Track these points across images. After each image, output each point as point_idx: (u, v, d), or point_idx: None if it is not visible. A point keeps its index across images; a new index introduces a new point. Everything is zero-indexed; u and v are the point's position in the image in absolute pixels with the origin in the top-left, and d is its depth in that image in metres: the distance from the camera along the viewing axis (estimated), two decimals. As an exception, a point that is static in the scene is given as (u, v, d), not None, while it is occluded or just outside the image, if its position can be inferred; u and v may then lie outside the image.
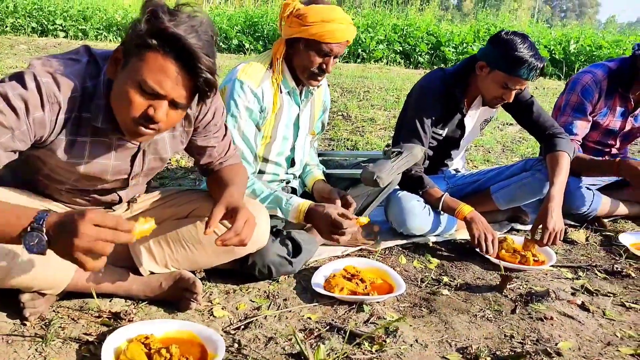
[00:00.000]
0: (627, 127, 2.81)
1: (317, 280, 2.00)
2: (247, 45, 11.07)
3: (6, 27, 11.80)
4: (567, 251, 2.50)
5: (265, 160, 2.18)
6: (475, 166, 3.88)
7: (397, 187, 2.45)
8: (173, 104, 1.39)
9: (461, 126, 2.52)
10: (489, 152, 4.33)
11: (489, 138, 4.79)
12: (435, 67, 10.82)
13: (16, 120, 1.32)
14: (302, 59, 2.00)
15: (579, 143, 2.70)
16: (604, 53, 10.36)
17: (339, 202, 2.15)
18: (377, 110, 5.71)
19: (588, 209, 2.66)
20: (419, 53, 10.86)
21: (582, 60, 10.48)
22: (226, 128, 1.87)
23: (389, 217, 2.44)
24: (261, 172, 2.20)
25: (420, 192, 2.38)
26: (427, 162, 2.64)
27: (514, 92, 2.28)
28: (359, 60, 10.77)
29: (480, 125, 2.62)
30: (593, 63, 2.85)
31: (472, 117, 2.54)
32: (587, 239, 2.62)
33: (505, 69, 2.22)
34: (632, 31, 13.31)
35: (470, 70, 2.37)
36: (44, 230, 1.15)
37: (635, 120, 2.81)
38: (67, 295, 1.71)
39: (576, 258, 2.43)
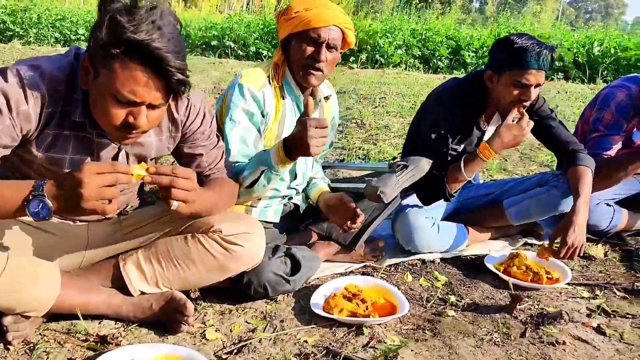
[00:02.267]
0: None
1: (317, 300, 1.92)
2: (265, 53, 11.09)
3: (30, 37, 12.03)
4: (583, 267, 2.37)
5: (267, 173, 2.11)
6: (490, 175, 3.76)
7: (408, 202, 2.35)
8: (151, 106, 1.39)
9: (479, 143, 2.41)
10: (506, 160, 4.20)
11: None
12: (455, 71, 10.70)
13: None
14: (294, 53, 1.95)
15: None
16: (630, 55, 10.07)
17: (352, 205, 2.08)
18: (392, 117, 5.61)
19: (608, 226, 2.52)
20: (439, 58, 10.73)
21: (607, 63, 10.20)
22: (218, 139, 1.81)
23: (395, 234, 2.35)
24: (261, 186, 2.13)
25: (444, 174, 2.23)
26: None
27: (532, 89, 2.12)
28: (377, 65, 10.69)
29: (494, 140, 2.50)
30: (623, 71, 2.63)
31: (489, 134, 2.42)
32: (605, 255, 2.48)
33: (511, 65, 2.10)
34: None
35: (482, 85, 2.25)
36: (45, 196, 1.25)
37: None
38: (55, 317, 1.66)
39: (593, 275, 2.30)
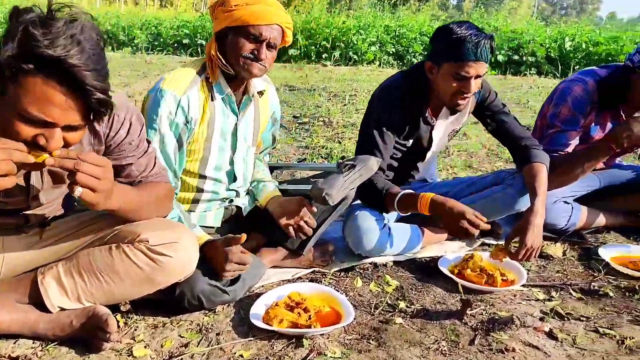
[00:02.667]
0: None
1: (257, 311, 1.81)
2: (237, 51, 10.92)
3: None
4: (541, 268, 2.30)
5: (202, 177, 1.99)
6: (455, 173, 3.69)
7: (360, 202, 2.26)
8: (69, 128, 1.26)
9: (428, 137, 2.32)
10: (472, 157, 4.13)
11: (473, 142, 4.59)
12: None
13: None
14: (232, 47, 1.83)
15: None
16: (601, 50, 10.14)
17: (314, 209, 2.04)
18: (361, 115, 5.51)
19: (567, 225, 2.44)
20: (413, 54, 10.70)
21: (579, 57, 10.27)
22: (149, 144, 1.69)
23: (345, 237, 2.25)
24: (200, 190, 2.02)
25: (382, 196, 2.16)
26: (391, 173, 2.45)
27: (472, 81, 2.03)
28: (350, 63, 10.61)
29: (449, 135, 2.42)
30: (586, 65, 2.53)
31: (440, 128, 2.34)
32: (564, 254, 2.41)
33: (449, 57, 2.01)
34: (631, 27, 13.05)
35: (426, 77, 2.17)
36: None
37: None
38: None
39: (550, 275, 2.22)
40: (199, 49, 11.33)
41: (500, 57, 10.55)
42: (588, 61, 10.08)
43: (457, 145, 4.46)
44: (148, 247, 1.60)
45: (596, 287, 2.09)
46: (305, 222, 2.08)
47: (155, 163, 1.70)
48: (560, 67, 10.05)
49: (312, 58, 10.60)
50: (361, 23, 11.32)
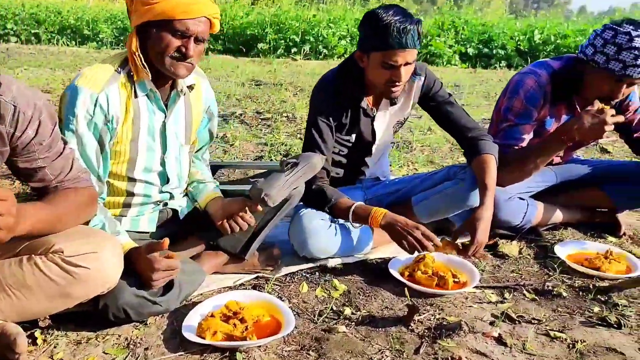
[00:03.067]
0: None
1: (190, 322, 1.69)
2: (206, 46, 10.70)
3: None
4: (495, 268, 2.22)
5: (132, 179, 1.86)
6: (415, 169, 3.60)
7: (301, 203, 2.15)
8: None
9: (371, 130, 2.23)
10: (435, 152, 4.05)
11: (437, 136, 4.52)
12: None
13: None
14: (155, 44, 1.68)
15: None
16: (569, 42, 10.21)
17: (260, 208, 1.91)
18: (325, 110, 5.41)
19: (522, 222, 2.37)
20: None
21: (548, 50, 10.32)
22: (65, 145, 1.56)
23: (290, 239, 2.14)
24: (130, 193, 1.88)
25: (327, 209, 2.08)
26: (341, 170, 2.35)
27: (402, 69, 1.94)
28: (320, 57, 10.47)
29: (393, 127, 2.33)
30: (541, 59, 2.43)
31: (382, 120, 2.24)
32: (520, 252, 2.34)
33: (376, 45, 1.92)
34: (599, 20, 13.18)
35: (359, 67, 2.07)
36: None
37: None
38: None
39: (504, 276, 2.15)
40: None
41: (470, 50, 10.54)
42: (557, 53, 10.12)
43: (421, 139, 4.38)
44: (63, 258, 1.46)
45: (550, 287, 2.02)
46: (242, 217, 1.96)
47: (72, 166, 1.57)
48: (529, 60, 10.06)
49: (282, 52, 10.43)
50: (331, 16, 11.18)
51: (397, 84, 1.98)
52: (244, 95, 6.17)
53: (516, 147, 2.29)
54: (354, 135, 2.21)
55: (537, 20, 12.12)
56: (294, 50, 10.43)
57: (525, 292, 2.01)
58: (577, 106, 2.35)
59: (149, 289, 1.66)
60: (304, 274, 2.10)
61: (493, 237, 2.41)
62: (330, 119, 2.11)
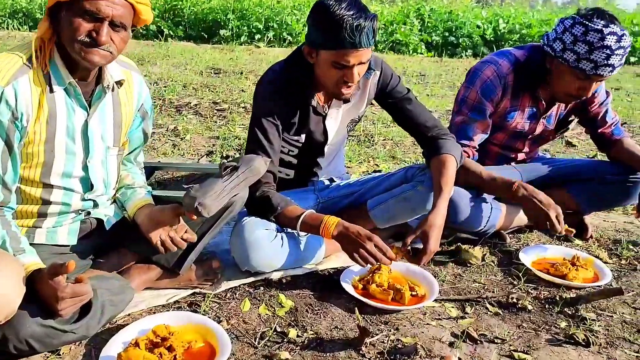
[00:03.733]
0: (538, 130, 2.35)
1: (109, 352, 1.47)
2: (166, 31, 10.29)
3: None
4: (456, 277, 2.06)
5: (47, 185, 1.61)
6: (377, 165, 3.42)
7: (245, 209, 1.94)
8: None
9: (323, 129, 2.03)
10: (397, 146, 3.88)
11: (400, 129, 4.33)
12: (365, 49, 10.39)
13: None
14: (65, 27, 1.45)
15: (475, 149, 2.23)
16: (534, 32, 10.20)
17: (195, 218, 1.66)
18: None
19: (485, 225, 2.21)
20: (348, 35, 10.38)
21: (513, 39, 10.29)
22: None
23: (231, 251, 1.92)
24: (45, 201, 1.64)
25: (272, 217, 1.88)
26: (291, 172, 2.15)
27: (355, 69, 1.75)
28: (285, 44, 10.19)
29: (348, 126, 2.13)
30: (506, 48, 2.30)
31: (335, 118, 2.04)
32: (483, 259, 2.18)
33: (326, 43, 1.72)
34: (562, 10, 13.25)
35: (308, 62, 1.86)
36: None
37: (547, 122, 2.35)
38: None
39: (466, 286, 1.98)
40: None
41: (436, 39, 10.42)
42: (522, 43, 10.09)
43: (383, 132, 4.20)
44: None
45: (514, 300, 1.86)
46: (181, 236, 1.74)
47: None
48: (495, 49, 10.00)
49: (245, 39, 10.11)
50: (295, 3, 10.89)
51: (349, 84, 1.79)
52: (201, 84, 5.88)
53: (467, 149, 2.17)
54: (303, 135, 2.01)
55: (503, 9, 12.08)
56: (257, 37, 10.12)
57: (487, 305, 1.85)
58: (541, 99, 2.23)
59: (57, 317, 1.43)
60: (247, 289, 1.89)
61: (454, 243, 2.25)
62: (276, 117, 1.91)
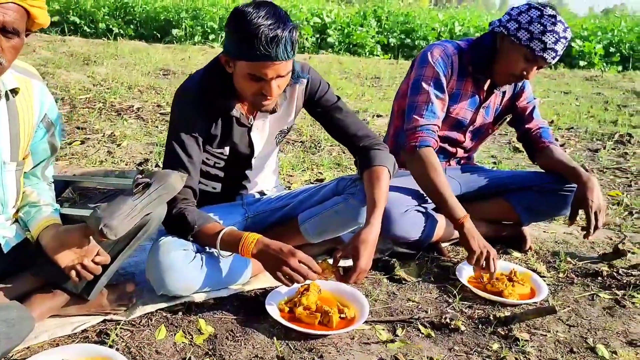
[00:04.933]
0: (478, 121, 2.32)
1: (-5, 394, 1.32)
2: (116, 30, 9.97)
3: None
4: (390, 295, 1.97)
5: None
6: (320, 173, 3.32)
7: (163, 226, 1.81)
8: None
9: (248, 141, 1.91)
10: (344, 153, 3.79)
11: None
12: (322, 51, 10.31)
13: None
14: None
15: (436, 133, 2.15)
16: (488, 35, 10.35)
17: (92, 247, 1.56)
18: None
19: (421, 237, 2.14)
20: (305, 37, 10.27)
21: (468, 42, 10.41)
22: None
23: (146, 273, 1.78)
24: None
25: (190, 237, 1.75)
26: (218, 185, 2.02)
27: (272, 83, 1.65)
28: (240, 45, 10.03)
29: (276, 137, 2.02)
30: None
31: (261, 130, 1.93)
32: (419, 275, 2.10)
33: (241, 54, 1.61)
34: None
35: (226, 71, 1.75)
36: None
37: (486, 113, 2.32)
38: None
39: (399, 306, 1.90)
40: (74, 28, 10.23)
41: (392, 41, 10.43)
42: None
43: (330, 138, 4.08)
44: None
45: (447, 320, 1.78)
46: (94, 259, 1.60)
47: None
48: (450, 52, 10.12)
49: (199, 39, 9.89)
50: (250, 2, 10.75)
51: (267, 98, 1.68)
52: (147, 85, 5.67)
53: (433, 137, 2.13)
54: (227, 148, 1.89)
55: (458, 12, 12.22)
56: (211, 37, 9.92)
57: (420, 326, 1.77)
58: (483, 85, 2.25)
59: None
60: (165, 314, 1.76)
61: (391, 257, 2.17)
62: (196, 129, 1.78)
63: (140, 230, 1.68)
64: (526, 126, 2.35)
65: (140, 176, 1.64)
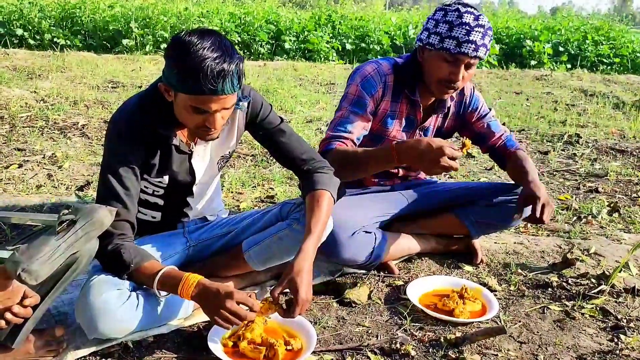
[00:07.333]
0: None
1: None
2: (62, 42, 9.65)
3: None
4: (340, 321, 1.91)
5: None
6: (272, 188, 3.24)
7: (96, 264, 1.70)
8: None
9: (189, 169, 1.82)
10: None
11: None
12: (277, 57, 10.23)
13: None
14: None
15: (353, 143, 2.08)
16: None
17: (18, 289, 1.41)
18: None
19: (370, 258, 2.08)
20: (259, 43, 10.18)
21: (422, 45, 10.49)
22: None
23: (76, 316, 1.66)
24: None
25: (125, 276, 1.65)
26: (158, 214, 1.92)
27: (216, 116, 1.58)
28: (193, 53, 9.85)
29: (218, 163, 1.94)
30: None
31: (202, 157, 1.85)
32: (369, 297, 2.05)
33: (184, 88, 1.53)
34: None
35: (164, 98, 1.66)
36: None
37: (424, 135, 2.28)
38: None
39: (348, 332, 1.84)
40: (18, 40, 9.85)
41: (347, 46, 10.44)
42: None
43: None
44: None
45: (398, 345, 1.73)
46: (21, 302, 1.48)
47: None
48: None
49: (150, 49, 9.66)
50: (203, 10, 10.56)
51: (211, 130, 1.61)
52: (94, 100, 5.48)
53: (342, 141, 2.04)
54: (166, 177, 1.79)
55: (412, 15, 12.33)
56: (163, 46, 9.70)
57: (369, 354, 1.71)
58: (420, 106, 2.19)
59: None
60: (99, 356, 1.65)
61: (340, 277, 2.11)
62: (131, 159, 1.68)
63: (69, 270, 1.57)
64: (490, 142, 2.31)
65: (66, 211, 1.54)
